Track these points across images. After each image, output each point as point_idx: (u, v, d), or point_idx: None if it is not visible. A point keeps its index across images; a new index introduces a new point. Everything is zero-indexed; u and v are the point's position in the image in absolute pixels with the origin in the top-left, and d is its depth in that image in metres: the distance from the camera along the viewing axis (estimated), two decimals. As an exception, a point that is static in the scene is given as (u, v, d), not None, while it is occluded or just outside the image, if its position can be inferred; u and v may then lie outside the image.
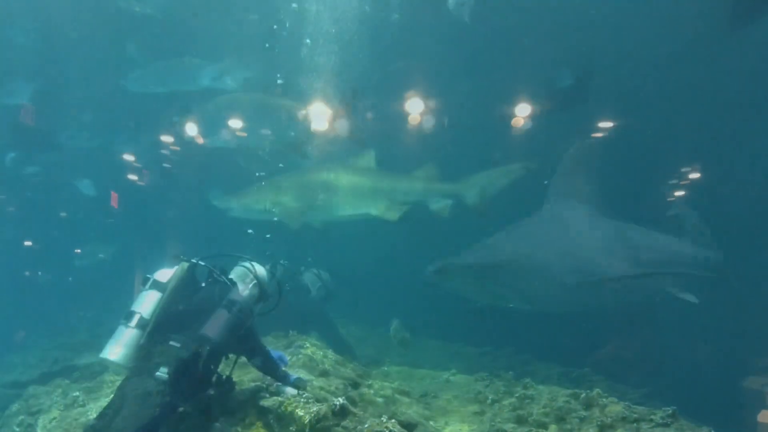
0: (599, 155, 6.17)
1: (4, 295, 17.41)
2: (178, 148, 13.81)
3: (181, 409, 4.88)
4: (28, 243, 18.54)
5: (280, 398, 5.05)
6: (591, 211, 5.70)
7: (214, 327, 4.84)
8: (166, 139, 13.26)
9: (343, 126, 6.67)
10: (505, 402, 5.90)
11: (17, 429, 6.82)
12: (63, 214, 18.37)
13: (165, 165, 14.38)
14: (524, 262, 4.87)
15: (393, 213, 10.60)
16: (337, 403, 4.68)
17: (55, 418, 6.34)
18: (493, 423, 5.42)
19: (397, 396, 6.12)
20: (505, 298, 5.34)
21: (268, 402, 5.07)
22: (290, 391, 5.22)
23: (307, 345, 6.78)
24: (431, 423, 5.46)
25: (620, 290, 5.13)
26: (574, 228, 5.33)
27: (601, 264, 4.84)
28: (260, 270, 5.37)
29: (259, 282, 5.30)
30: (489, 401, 6.11)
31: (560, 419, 5.26)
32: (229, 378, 5.11)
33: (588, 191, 5.83)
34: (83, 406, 6.71)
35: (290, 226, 10.77)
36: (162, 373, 4.55)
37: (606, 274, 4.68)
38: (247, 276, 5.26)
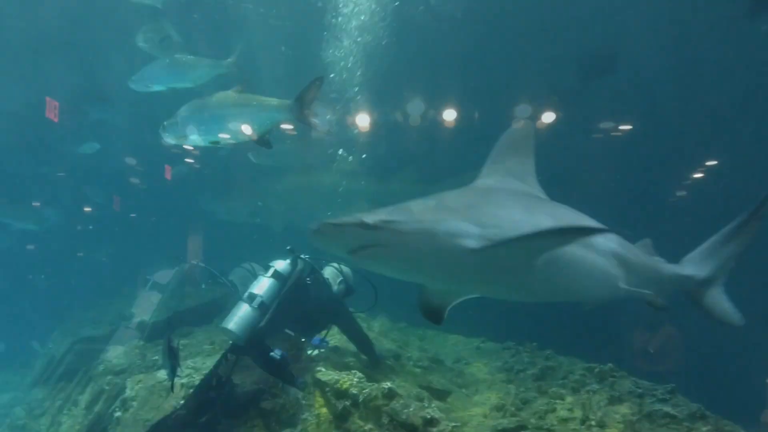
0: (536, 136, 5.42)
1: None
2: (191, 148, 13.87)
3: (182, 411, 5.02)
4: (30, 246, 18.78)
5: (281, 401, 5.31)
6: (522, 189, 5.00)
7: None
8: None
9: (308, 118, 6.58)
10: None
11: (107, 387, 7.25)
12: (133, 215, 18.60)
13: (188, 160, 14.48)
14: (408, 224, 3.99)
15: None
16: (339, 406, 4.95)
17: (140, 381, 6.60)
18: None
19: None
20: (398, 270, 4.44)
21: (269, 404, 5.35)
22: (294, 392, 5.31)
23: (328, 340, 6.92)
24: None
25: (530, 264, 4.16)
26: (490, 199, 4.61)
27: (505, 229, 4.01)
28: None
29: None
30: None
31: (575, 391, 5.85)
32: (228, 379, 5.19)
33: (523, 170, 5.10)
34: (162, 368, 7.04)
35: (274, 227, 10.76)
36: (276, 354, 4.85)
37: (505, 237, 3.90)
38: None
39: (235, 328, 5.13)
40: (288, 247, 5.76)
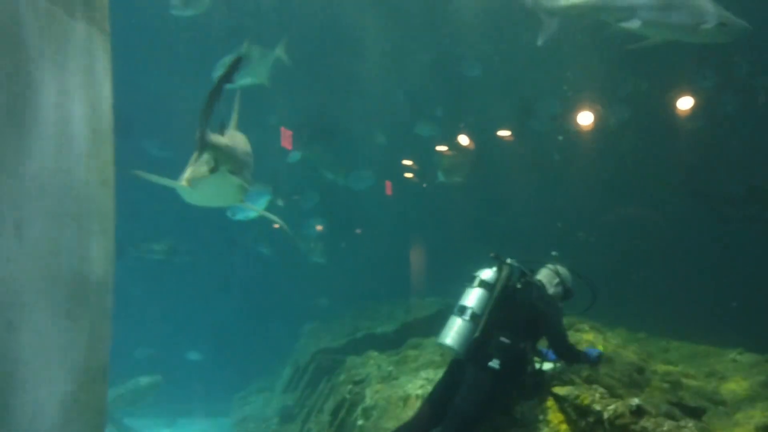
0: None
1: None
2: None
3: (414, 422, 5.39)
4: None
5: (517, 415, 5.20)
6: None
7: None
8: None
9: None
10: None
11: (348, 396, 7.72)
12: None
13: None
14: None
15: None
16: (582, 423, 4.79)
17: (378, 391, 7.01)
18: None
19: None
20: None
21: (503, 420, 5.28)
22: (529, 406, 5.27)
23: (587, 328, 7.20)
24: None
25: None
26: None
27: None
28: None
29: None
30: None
31: None
32: (457, 392, 5.17)
33: None
34: (396, 378, 7.39)
35: None
36: (494, 364, 4.99)
37: None
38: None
39: (452, 342, 5.13)
40: (492, 254, 5.62)
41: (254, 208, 7.06)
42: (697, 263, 11.71)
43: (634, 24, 7.39)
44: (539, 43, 7.85)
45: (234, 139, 5.44)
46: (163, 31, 13.22)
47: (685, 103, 12.17)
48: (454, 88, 14.79)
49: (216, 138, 4.86)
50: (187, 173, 4.97)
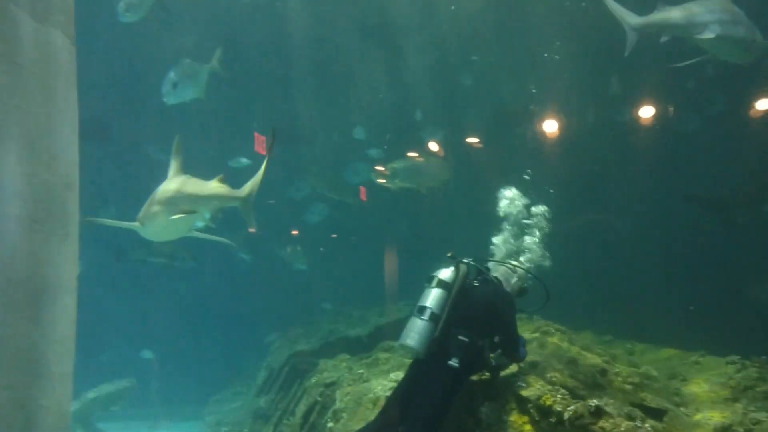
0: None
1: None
2: None
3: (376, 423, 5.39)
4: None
5: (481, 416, 5.29)
6: None
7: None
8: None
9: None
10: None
11: (319, 398, 7.86)
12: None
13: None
14: None
15: None
16: (544, 424, 4.93)
17: (348, 393, 7.06)
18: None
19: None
20: None
21: (467, 420, 5.37)
22: (494, 407, 5.38)
23: (553, 331, 7.32)
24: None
25: None
26: None
27: None
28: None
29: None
30: None
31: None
32: (420, 392, 5.23)
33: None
34: (367, 381, 7.46)
35: None
36: (454, 362, 5.02)
37: None
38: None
39: (413, 342, 5.16)
40: (448, 254, 5.70)
41: (207, 236, 7.77)
42: (667, 267, 11.88)
43: (707, 35, 7.61)
44: (626, 54, 8.03)
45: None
46: (165, 36, 13.20)
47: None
48: (440, 95, 14.83)
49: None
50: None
